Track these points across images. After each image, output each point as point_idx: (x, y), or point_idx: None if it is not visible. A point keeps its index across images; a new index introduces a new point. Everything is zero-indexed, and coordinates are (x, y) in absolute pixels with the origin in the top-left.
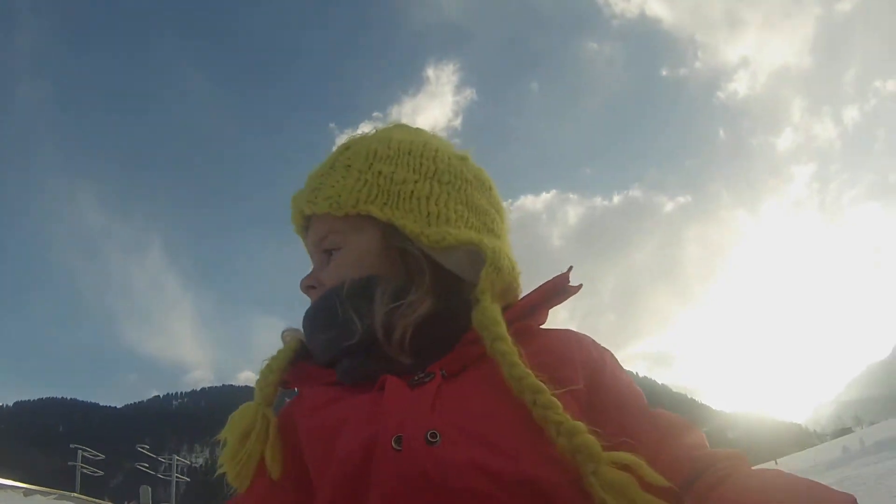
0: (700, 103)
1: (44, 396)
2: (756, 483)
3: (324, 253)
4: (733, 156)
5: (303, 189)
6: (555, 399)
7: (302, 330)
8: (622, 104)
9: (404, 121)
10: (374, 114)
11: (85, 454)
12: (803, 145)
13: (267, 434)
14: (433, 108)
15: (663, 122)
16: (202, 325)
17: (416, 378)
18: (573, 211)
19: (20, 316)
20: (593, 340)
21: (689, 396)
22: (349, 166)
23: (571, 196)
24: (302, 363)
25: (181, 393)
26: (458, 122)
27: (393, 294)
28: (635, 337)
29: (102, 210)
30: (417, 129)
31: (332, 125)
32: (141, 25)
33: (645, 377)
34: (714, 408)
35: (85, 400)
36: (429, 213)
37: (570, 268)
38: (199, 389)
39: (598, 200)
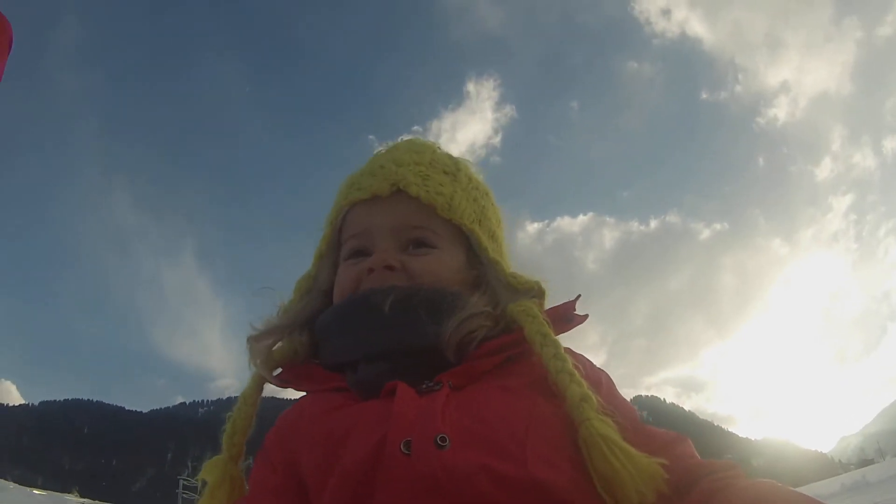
0: (740, 129)
1: (70, 397)
2: (754, 493)
3: (409, 240)
4: (772, 184)
5: (398, 163)
6: (585, 383)
7: (328, 317)
8: (662, 126)
9: (444, 137)
10: (414, 128)
11: (184, 482)
12: (842, 175)
13: (233, 492)
14: (473, 124)
15: (703, 146)
16: (231, 333)
17: (424, 386)
18: (609, 234)
19: (49, 315)
20: (591, 361)
21: (716, 424)
22: (452, 176)
23: (608, 219)
24: (307, 364)
25: (207, 401)
26: (497, 140)
27: (477, 310)
28: (666, 363)
29: (137, 210)
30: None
31: (371, 137)
32: (186, 34)
33: (672, 403)
34: (740, 435)
35: (111, 403)
36: (501, 254)
37: (579, 296)
38: (225, 398)
39: (635, 225)
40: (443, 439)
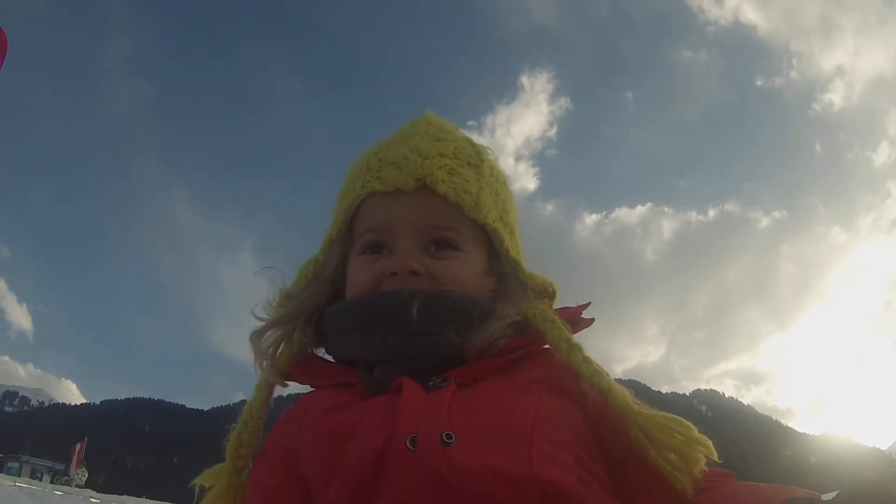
0: (796, 115)
1: (131, 396)
2: (732, 491)
3: (432, 240)
4: (829, 170)
5: (423, 154)
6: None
7: (343, 313)
8: (717, 114)
9: (500, 131)
10: (469, 122)
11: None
12: None
13: (235, 501)
14: (528, 117)
15: (759, 133)
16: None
17: (431, 383)
18: (668, 225)
19: (109, 315)
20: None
21: (775, 419)
22: (476, 168)
23: (666, 209)
24: (314, 358)
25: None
26: (553, 133)
27: (503, 317)
28: (726, 354)
29: (196, 209)
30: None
31: None
32: (237, 32)
33: (731, 397)
34: (799, 430)
35: (172, 401)
36: (519, 252)
37: (589, 303)
38: (285, 395)
39: (693, 215)
40: (448, 436)
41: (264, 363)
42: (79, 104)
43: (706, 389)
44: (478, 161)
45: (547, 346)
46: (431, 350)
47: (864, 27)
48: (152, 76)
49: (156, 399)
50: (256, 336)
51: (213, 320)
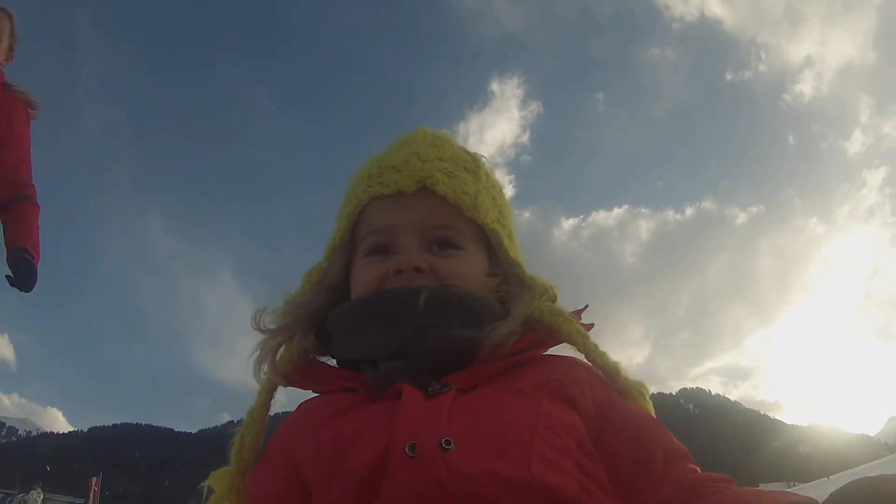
0: (767, 108)
1: (118, 422)
2: (732, 497)
3: (434, 240)
4: (804, 162)
5: (423, 158)
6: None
7: (350, 311)
8: (689, 111)
9: (473, 139)
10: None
11: None
12: (873, 147)
13: (239, 503)
14: (500, 124)
15: (732, 128)
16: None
17: (431, 389)
18: (645, 225)
19: (91, 342)
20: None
21: (762, 412)
22: (473, 173)
23: (643, 210)
24: (315, 363)
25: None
26: (526, 138)
27: (503, 315)
28: (710, 352)
29: (172, 233)
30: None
31: None
32: (208, 49)
33: (717, 394)
34: (787, 422)
35: (159, 425)
36: (519, 256)
37: (586, 306)
38: (272, 415)
39: (671, 214)
40: (448, 442)
41: (265, 366)
42: (49, 130)
43: (692, 388)
44: (474, 167)
45: (547, 352)
46: (439, 343)
47: (830, 16)
48: (123, 98)
49: (143, 424)
50: (265, 341)
51: (195, 342)
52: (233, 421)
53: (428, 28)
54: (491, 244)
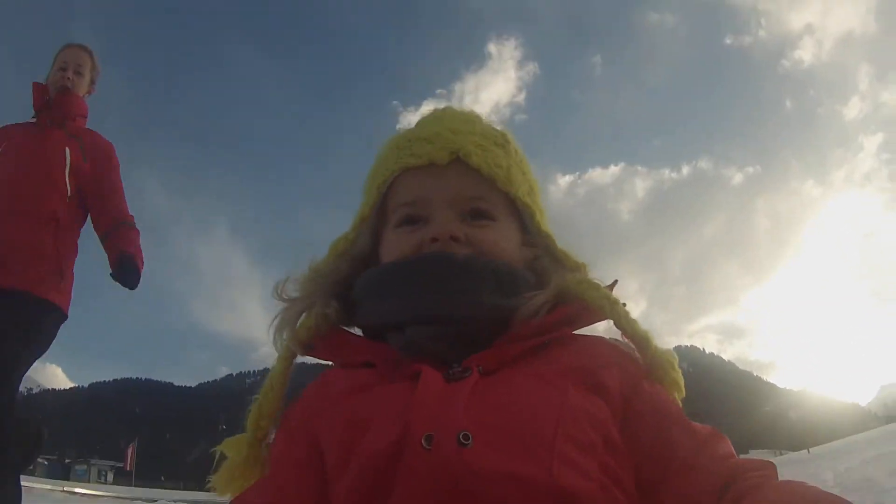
0: (766, 72)
1: (118, 377)
2: (781, 495)
3: (468, 210)
4: (801, 126)
5: (455, 130)
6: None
7: (381, 274)
8: (687, 75)
9: (468, 98)
10: (438, 91)
11: None
12: (871, 114)
13: (255, 472)
14: (497, 84)
15: (730, 92)
16: (270, 301)
17: (451, 372)
18: (641, 184)
19: (92, 299)
20: (632, 352)
21: (755, 374)
22: (503, 147)
23: (639, 169)
24: (338, 330)
25: (254, 371)
26: (521, 98)
27: (533, 286)
28: (705, 310)
29: (166, 193)
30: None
31: (395, 102)
32: (203, 12)
33: (711, 353)
34: (779, 385)
35: (160, 380)
36: (549, 230)
37: (616, 281)
38: (271, 367)
39: (667, 173)
40: (466, 437)
41: (285, 333)
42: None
43: (687, 346)
44: (504, 142)
45: (576, 332)
46: (471, 310)
47: None
48: (115, 70)
49: (143, 379)
50: (287, 309)
51: (192, 298)
52: (231, 374)
53: None
54: (523, 218)
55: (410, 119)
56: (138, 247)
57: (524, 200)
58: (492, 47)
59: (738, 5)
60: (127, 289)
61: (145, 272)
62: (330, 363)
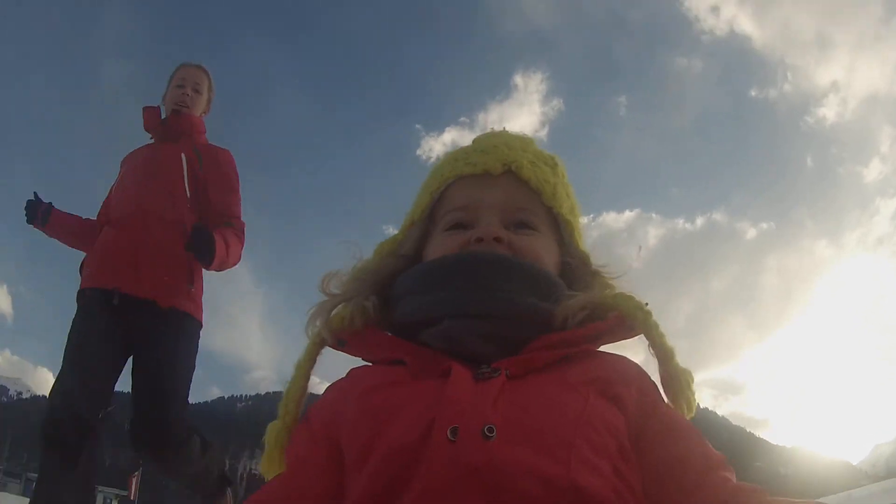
0: (789, 127)
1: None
2: None
3: (515, 220)
4: (819, 184)
5: (510, 146)
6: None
7: (424, 270)
8: (710, 123)
9: (490, 128)
10: (462, 118)
11: None
12: (890, 177)
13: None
14: (521, 117)
15: (751, 144)
16: (270, 323)
17: (481, 372)
18: (654, 231)
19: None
20: (649, 375)
21: (748, 431)
22: (553, 168)
23: (654, 216)
24: (370, 328)
25: (246, 396)
26: (544, 133)
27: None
28: (705, 364)
29: None
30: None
31: (417, 126)
32: (228, 19)
33: (705, 409)
34: (772, 442)
35: None
36: (582, 246)
37: (647, 304)
38: (263, 393)
39: (681, 223)
40: (490, 430)
41: (318, 321)
42: (64, 83)
43: None
44: (553, 163)
45: (600, 349)
46: (507, 307)
47: (861, 44)
48: (136, 66)
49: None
50: (325, 302)
51: None
52: (223, 397)
53: (455, 16)
54: (562, 234)
55: (432, 144)
56: (230, 243)
57: (566, 217)
58: (518, 79)
59: (765, 57)
60: (203, 264)
61: None
62: (359, 361)
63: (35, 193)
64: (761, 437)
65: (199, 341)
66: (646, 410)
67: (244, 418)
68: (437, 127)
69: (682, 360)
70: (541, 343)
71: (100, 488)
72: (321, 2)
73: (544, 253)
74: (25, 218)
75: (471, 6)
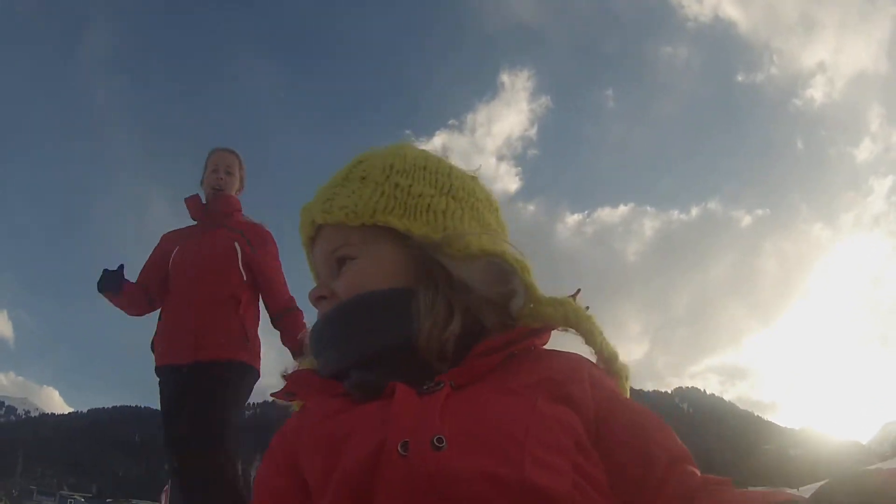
0: (777, 111)
1: (117, 404)
2: (741, 499)
3: (336, 263)
4: (811, 167)
5: (314, 200)
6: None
7: (310, 343)
8: (699, 111)
9: (480, 130)
10: (450, 121)
11: None
12: (881, 156)
13: None
14: (509, 116)
15: (741, 130)
16: (272, 331)
17: (424, 387)
18: (650, 224)
19: (90, 322)
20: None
21: (756, 414)
22: (364, 178)
23: (648, 209)
24: (307, 373)
25: (254, 403)
26: (533, 132)
27: (429, 307)
28: (708, 351)
29: (172, 210)
30: (426, 149)
31: (407, 132)
32: (215, 32)
33: (712, 394)
34: (780, 425)
35: (157, 408)
36: (445, 227)
37: (578, 290)
38: (270, 401)
39: (676, 214)
40: (440, 440)
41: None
42: (54, 100)
43: (688, 387)
44: (364, 171)
45: (546, 346)
46: (364, 350)
47: (845, 24)
48: (126, 82)
49: (143, 406)
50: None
51: None
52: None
53: (439, 14)
54: (402, 232)
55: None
56: (301, 330)
57: (383, 220)
58: (504, 77)
59: (750, 41)
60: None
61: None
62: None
63: (121, 266)
64: (769, 420)
65: (253, 384)
66: (603, 405)
67: (252, 425)
68: (427, 132)
69: (678, 349)
70: (481, 349)
71: (135, 501)
72: (306, 14)
73: (363, 276)
74: (99, 286)
75: (453, 5)
